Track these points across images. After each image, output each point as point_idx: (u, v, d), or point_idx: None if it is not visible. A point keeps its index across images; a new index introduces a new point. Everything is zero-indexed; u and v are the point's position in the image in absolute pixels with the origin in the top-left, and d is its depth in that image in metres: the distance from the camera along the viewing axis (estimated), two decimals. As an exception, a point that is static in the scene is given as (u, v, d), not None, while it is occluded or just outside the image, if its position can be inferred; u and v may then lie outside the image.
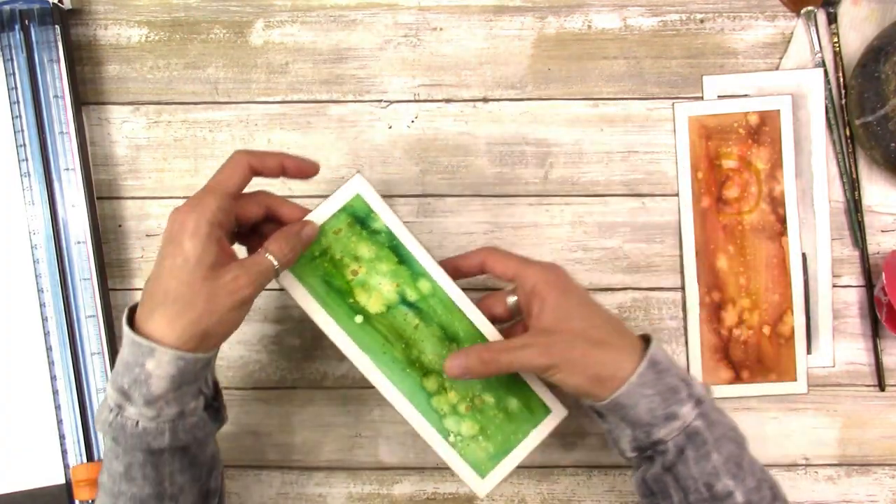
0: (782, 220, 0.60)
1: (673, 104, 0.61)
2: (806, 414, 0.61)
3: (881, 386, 0.61)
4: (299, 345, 0.62)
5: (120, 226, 0.62)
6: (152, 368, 0.45)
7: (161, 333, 0.45)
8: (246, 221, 0.50)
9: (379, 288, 0.53)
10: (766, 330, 0.60)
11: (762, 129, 0.60)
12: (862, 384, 0.61)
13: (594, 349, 0.48)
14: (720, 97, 0.61)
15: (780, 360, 0.60)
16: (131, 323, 0.46)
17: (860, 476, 0.61)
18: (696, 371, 0.61)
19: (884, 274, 0.57)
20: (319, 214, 0.52)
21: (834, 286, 0.61)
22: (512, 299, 0.52)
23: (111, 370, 0.59)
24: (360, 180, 0.52)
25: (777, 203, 0.60)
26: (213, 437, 0.51)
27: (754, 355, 0.60)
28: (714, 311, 0.61)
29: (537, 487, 0.62)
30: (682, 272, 0.61)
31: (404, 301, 0.53)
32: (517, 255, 0.52)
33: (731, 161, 0.60)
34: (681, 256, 0.61)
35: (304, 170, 0.51)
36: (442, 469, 0.62)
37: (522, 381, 0.54)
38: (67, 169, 0.59)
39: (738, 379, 0.61)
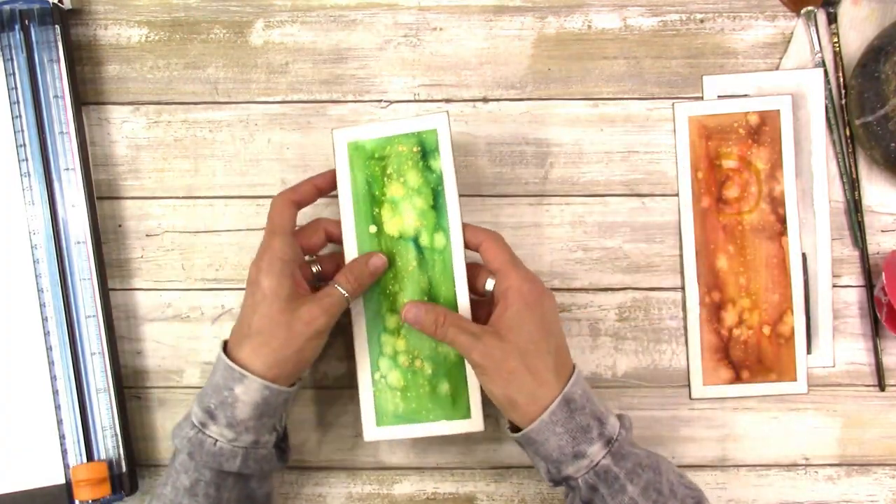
0: (782, 220, 0.60)
1: (673, 104, 0.61)
2: (806, 414, 0.61)
3: (881, 386, 0.61)
4: (299, 345, 0.62)
5: (120, 226, 0.62)
6: (240, 393, 0.50)
7: (249, 362, 0.50)
8: (313, 250, 0.56)
9: (403, 216, 0.56)
10: (766, 330, 0.60)
11: (762, 129, 0.60)
12: (862, 384, 0.61)
13: (523, 372, 0.49)
14: (720, 97, 0.61)
15: (780, 360, 0.60)
16: (226, 352, 0.52)
17: (860, 476, 0.61)
18: (696, 371, 0.61)
19: (884, 274, 0.57)
20: (396, 126, 0.56)
21: (834, 286, 0.61)
22: (490, 284, 0.54)
23: (111, 370, 0.59)
24: (444, 119, 0.55)
25: (777, 203, 0.60)
26: (272, 479, 0.56)
27: (754, 355, 0.60)
28: (714, 311, 0.60)
29: (537, 487, 0.62)
30: (682, 272, 0.61)
31: (416, 241, 0.56)
32: (511, 254, 0.53)
33: (731, 161, 0.60)
34: (681, 256, 0.61)
35: (332, 180, 0.56)
36: (442, 469, 0.62)
37: (465, 375, 0.56)
38: (67, 169, 0.59)
39: (738, 379, 0.61)
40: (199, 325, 0.62)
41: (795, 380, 0.60)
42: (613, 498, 0.48)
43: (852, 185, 0.60)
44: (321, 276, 0.56)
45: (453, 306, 0.55)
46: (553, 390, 0.49)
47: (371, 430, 0.56)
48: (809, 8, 0.60)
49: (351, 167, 0.56)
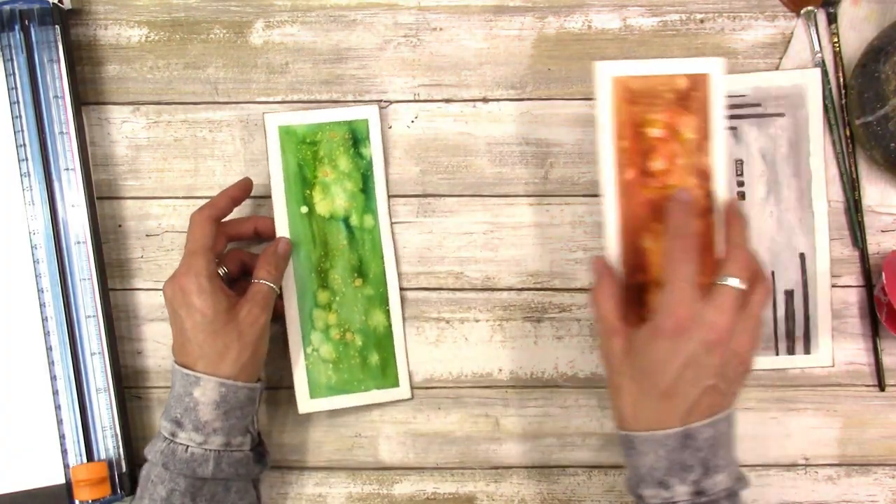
0: (709, 195, 0.53)
1: (594, 63, 0.53)
2: (806, 414, 0.61)
3: (881, 386, 0.61)
4: (299, 345, 0.62)
5: (120, 226, 0.62)
6: (199, 395, 0.52)
7: (206, 371, 0.53)
8: (241, 238, 0.59)
9: (334, 197, 0.60)
10: None
11: (691, 95, 0.53)
12: (862, 384, 0.61)
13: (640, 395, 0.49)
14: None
15: None
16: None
17: (860, 476, 0.61)
18: None
19: (884, 274, 0.57)
20: (328, 114, 0.60)
21: (834, 286, 0.61)
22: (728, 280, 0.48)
23: (111, 370, 0.59)
24: (375, 111, 0.60)
25: (705, 178, 0.53)
26: (256, 489, 0.56)
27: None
28: (638, 294, 0.54)
29: (537, 487, 0.62)
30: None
31: (346, 221, 0.60)
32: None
33: (656, 129, 0.55)
34: (602, 236, 0.56)
35: (246, 188, 0.59)
36: (442, 469, 0.62)
37: (393, 346, 0.59)
38: (67, 169, 0.59)
39: None
40: (199, 325, 0.62)
41: None
42: None
43: (852, 185, 0.60)
44: (230, 278, 0.58)
45: (382, 282, 0.60)
46: (671, 421, 0.47)
47: (305, 403, 0.59)
48: (809, 8, 0.60)
49: (282, 150, 0.59)
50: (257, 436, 0.56)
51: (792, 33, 0.61)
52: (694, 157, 0.53)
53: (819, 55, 0.60)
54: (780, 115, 0.60)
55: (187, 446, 0.52)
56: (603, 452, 0.62)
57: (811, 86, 0.60)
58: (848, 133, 0.60)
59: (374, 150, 0.60)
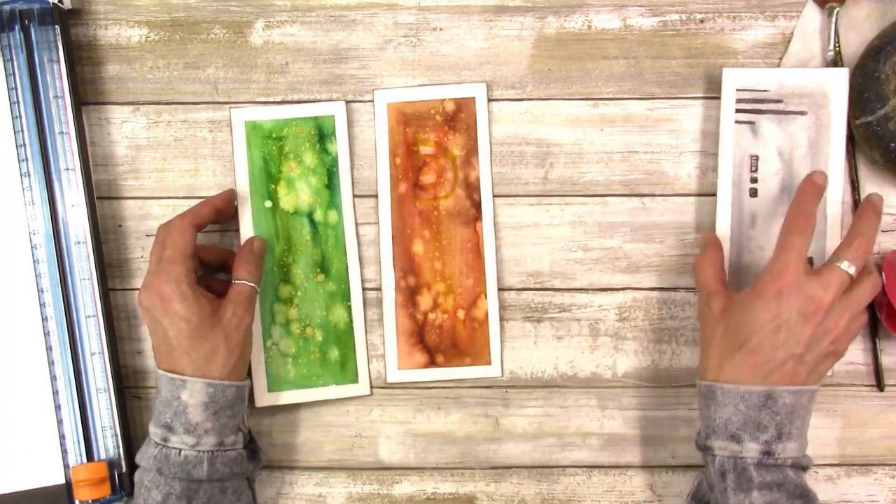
0: (477, 206, 0.61)
1: (374, 91, 0.61)
2: (806, 414, 0.61)
3: (880, 386, 0.61)
4: (299, 345, 0.62)
5: (120, 226, 0.62)
6: (187, 398, 0.52)
7: (193, 375, 0.53)
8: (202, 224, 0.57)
9: (299, 192, 0.60)
10: (461, 314, 0.61)
11: (458, 116, 0.61)
12: (861, 384, 0.61)
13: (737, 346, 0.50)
14: (738, 90, 0.59)
15: (474, 344, 0.61)
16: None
17: (860, 476, 0.61)
18: (392, 356, 0.61)
19: (884, 274, 0.57)
20: (295, 110, 0.60)
21: (834, 286, 0.61)
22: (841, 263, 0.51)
23: (111, 370, 0.59)
24: (342, 108, 0.60)
25: (472, 189, 0.61)
26: (251, 488, 0.57)
27: (449, 339, 0.61)
28: (409, 295, 0.61)
29: (537, 487, 0.62)
30: (379, 257, 0.61)
31: (310, 216, 0.60)
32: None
33: (428, 147, 0.61)
34: (378, 242, 0.61)
35: (229, 199, 0.59)
36: (442, 469, 0.62)
37: (353, 342, 0.59)
38: (67, 169, 0.59)
39: (433, 363, 0.61)
40: (199, 325, 0.62)
41: (490, 363, 0.61)
42: (735, 494, 0.48)
43: (852, 185, 0.60)
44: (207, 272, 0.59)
45: (345, 278, 0.60)
46: (756, 378, 0.50)
47: (263, 396, 0.60)
48: (833, 4, 0.60)
49: (248, 145, 0.60)
50: (248, 433, 0.57)
51: (792, 33, 0.61)
52: (462, 171, 0.60)
53: (831, 53, 0.60)
54: (802, 113, 0.59)
55: (180, 449, 0.52)
56: (603, 452, 0.62)
57: (837, 85, 0.59)
58: (848, 133, 0.60)
59: (340, 146, 0.60)
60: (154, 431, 0.53)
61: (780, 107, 0.60)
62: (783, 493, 0.48)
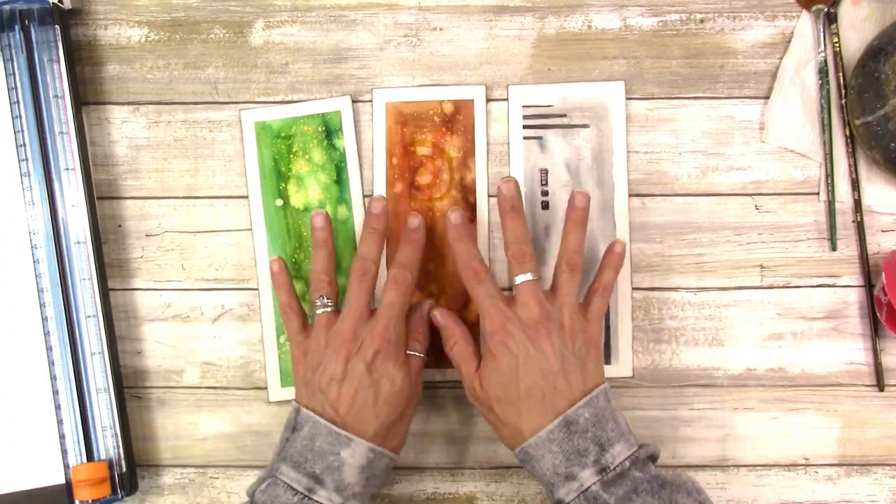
0: (472, 208, 0.61)
1: (373, 90, 0.61)
2: (806, 414, 0.61)
3: (880, 386, 0.61)
4: (299, 345, 0.62)
5: (120, 226, 0.62)
6: (347, 457, 0.50)
7: (356, 430, 0.51)
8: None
9: (308, 190, 0.61)
10: None
11: (456, 118, 0.61)
12: (862, 384, 0.61)
13: (510, 410, 0.51)
14: (524, 106, 0.60)
15: None
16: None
17: (860, 476, 0.61)
18: None
19: (884, 274, 0.57)
20: (302, 108, 0.61)
21: (834, 286, 0.61)
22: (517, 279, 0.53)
23: (111, 370, 0.59)
24: (347, 103, 0.60)
25: (468, 191, 0.61)
26: None
27: (440, 341, 0.59)
28: None
29: (537, 487, 0.62)
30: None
31: None
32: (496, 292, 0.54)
33: (425, 148, 0.61)
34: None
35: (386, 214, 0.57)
36: (442, 469, 0.62)
37: None
38: (67, 169, 0.59)
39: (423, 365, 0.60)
40: (199, 325, 0.62)
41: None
42: None
43: (852, 185, 0.60)
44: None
45: None
46: (549, 415, 0.50)
47: (276, 392, 0.61)
48: (820, 6, 0.60)
49: (258, 145, 0.60)
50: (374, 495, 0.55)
51: (792, 33, 0.61)
52: (458, 173, 0.60)
53: (821, 55, 0.60)
54: (585, 126, 0.61)
55: None
56: (603, 452, 0.62)
57: (615, 98, 0.60)
58: (848, 133, 0.60)
59: (347, 141, 0.61)
60: (295, 478, 0.49)
61: (565, 121, 0.61)
62: (644, 495, 0.47)
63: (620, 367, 0.61)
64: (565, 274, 0.53)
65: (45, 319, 0.59)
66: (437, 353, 0.60)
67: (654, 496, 0.47)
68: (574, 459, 0.48)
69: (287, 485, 0.49)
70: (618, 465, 0.48)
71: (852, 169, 0.60)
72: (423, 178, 0.61)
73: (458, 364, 0.55)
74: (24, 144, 0.59)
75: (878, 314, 0.59)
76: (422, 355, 0.56)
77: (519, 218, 0.54)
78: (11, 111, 0.59)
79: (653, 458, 0.51)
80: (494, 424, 0.53)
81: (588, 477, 0.48)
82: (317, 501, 0.49)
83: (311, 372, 0.53)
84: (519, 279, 0.52)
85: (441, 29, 0.62)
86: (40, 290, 0.59)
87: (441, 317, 0.56)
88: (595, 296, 0.55)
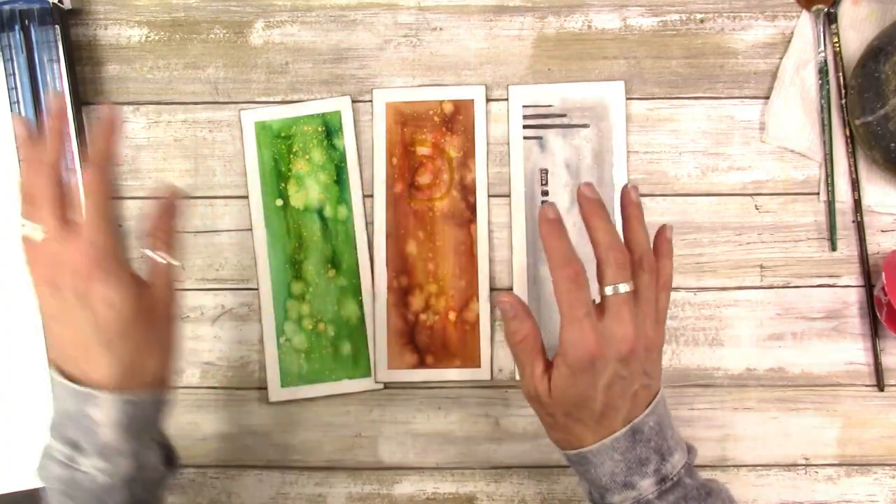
0: (472, 208, 0.61)
1: (373, 90, 0.61)
2: (806, 414, 0.61)
3: (880, 386, 0.61)
4: (299, 345, 0.62)
5: (120, 226, 0.62)
6: (98, 416, 0.42)
7: (98, 377, 0.42)
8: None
9: (308, 189, 0.61)
10: (452, 316, 0.61)
11: (456, 118, 0.61)
12: (862, 384, 0.61)
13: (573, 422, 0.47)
14: (524, 107, 0.60)
15: (464, 346, 0.61)
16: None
17: (860, 476, 0.61)
18: (381, 355, 0.61)
19: (884, 274, 0.57)
20: (302, 108, 0.61)
21: (834, 286, 0.61)
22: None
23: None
24: (347, 103, 0.61)
25: (468, 191, 0.61)
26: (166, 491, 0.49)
27: (439, 341, 0.61)
28: (401, 295, 0.61)
29: (537, 487, 0.62)
30: (371, 257, 0.61)
31: (320, 212, 0.61)
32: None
33: (425, 148, 0.61)
34: (370, 242, 0.61)
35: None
36: (442, 469, 0.62)
37: (365, 336, 0.60)
38: (67, 169, 0.59)
39: (422, 364, 0.61)
40: (199, 325, 0.62)
41: (479, 366, 0.61)
42: None
43: (852, 185, 0.60)
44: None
45: (355, 273, 0.60)
46: (617, 425, 0.46)
47: (276, 391, 0.61)
48: (819, 6, 0.60)
49: (258, 145, 0.61)
50: (164, 440, 0.48)
51: (792, 33, 0.61)
52: (458, 173, 0.60)
53: (822, 54, 0.60)
54: (585, 125, 0.61)
55: (95, 477, 0.42)
56: (603, 452, 0.62)
57: (615, 98, 0.61)
58: (848, 133, 0.60)
59: (347, 141, 0.61)
60: (55, 446, 0.43)
61: (565, 121, 0.61)
62: (692, 502, 0.46)
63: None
64: (646, 276, 0.47)
65: (45, 319, 0.59)
66: (436, 352, 0.60)
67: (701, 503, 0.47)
68: (635, 468, 0.46)
69: (52, 455, 0.43)
70: (675, 475, 0.47)
71: (852, 169, 0.60)
72: (423, 178, 0.61)
73: (523, 361, 0.48)
74: (24, 144, 0.59)
75: (878, 314, 0.59)
76: (167, 260, 0.45)
77: (610, 220, 0.47)
78: (11, 111, 0.59)
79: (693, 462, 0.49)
80: (551, 426, 0.49)
81: (647, 487, 0.46)
82: (79, 470, 0.42)
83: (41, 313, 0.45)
84: (621, 288, 0.45)
85: (441, 29, 0.62)
86: (40, 290, 0.59)
87: (510, 305, 0.47)
88: (663, 292, 0.48)
